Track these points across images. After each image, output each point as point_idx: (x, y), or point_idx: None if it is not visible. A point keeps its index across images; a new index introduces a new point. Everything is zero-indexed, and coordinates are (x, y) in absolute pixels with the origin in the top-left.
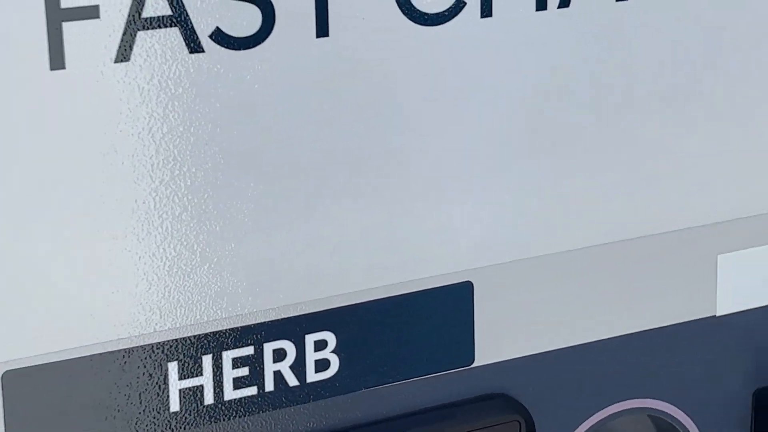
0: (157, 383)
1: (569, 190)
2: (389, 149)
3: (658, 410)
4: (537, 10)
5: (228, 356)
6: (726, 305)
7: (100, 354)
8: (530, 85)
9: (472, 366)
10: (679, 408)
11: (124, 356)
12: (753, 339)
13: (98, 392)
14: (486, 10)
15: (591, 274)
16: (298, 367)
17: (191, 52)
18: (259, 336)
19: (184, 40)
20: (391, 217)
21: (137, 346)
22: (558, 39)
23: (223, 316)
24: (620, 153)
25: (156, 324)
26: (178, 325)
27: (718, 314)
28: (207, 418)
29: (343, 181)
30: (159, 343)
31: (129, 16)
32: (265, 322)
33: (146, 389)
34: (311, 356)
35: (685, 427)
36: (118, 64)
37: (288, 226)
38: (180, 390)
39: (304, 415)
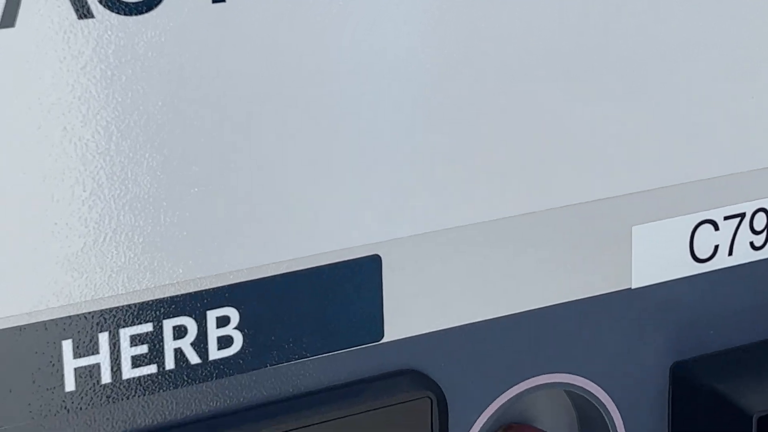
0: (50, 362)
1: (478, 162)
2: (290, 118)
3: (574, 385)
4: None
5: (125, 333)
6: (641, 278)
7: None
8: (434, 53)
9: (381, 342)
10: (595, 383)
11: (15, 334)
12: (669, 312)
13: None
14: None
15: (502, 247)
16: (200, 345)
17: (80, 18)
18: (157, 312)
19: (72, 5)
20: (294, 189)
21: (29, 324)
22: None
23: (120, 291)
24: (531, 123)
25: (48, 300)
26: (72, 302)
27: (633, 287)
28: (104, 397)
29: (243, 151)
30: (52, 320)
31: None
32: (163, 298)
33: (39, 368)
34: (213, 333)
35: (601, 401)
36: (2, 30)
37: (187, 198)
38: (75, 369)
39: (207, 394)
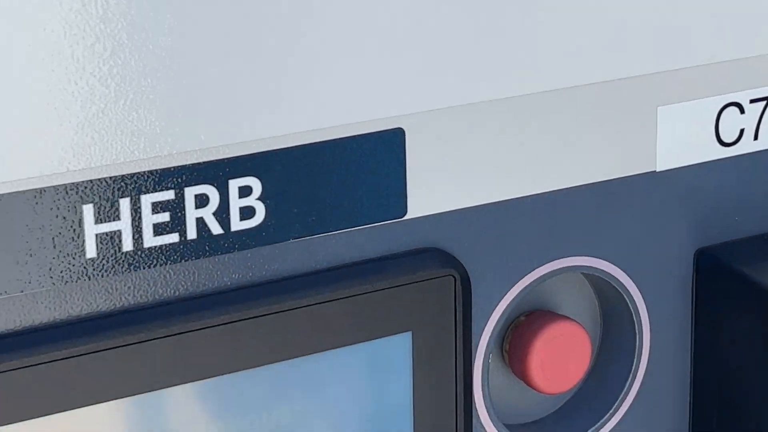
0: (71, 227)
1: (503, 38)
2: None
3: (598, 269)
4: None
5: (147, 200)
6: (666, 161)
7: (9, 194)
8: None
9: (404, 218)
10: (618, 266)
11: (35, 197)
12: (694, 197)
13: (8, 235)
14: None
15: (527, 125)
16: (222, 215)
17: None
18: (179, 180)
19: None
20: (318, 59)
21: (49, 186)
22: None
23: (141, 157)
24: None
25: (69, 163)
26: (92, 165)
27: (658, 170)
28: (126, 265)
29: (268, 18)
30: (72, 183)
31: None
32: (185, 165)
33: (60, 233)
34: (235, 203)
35: (624, 287)
36: None
37: (212, 63)
38: (96, 235)
39: (229, 266)
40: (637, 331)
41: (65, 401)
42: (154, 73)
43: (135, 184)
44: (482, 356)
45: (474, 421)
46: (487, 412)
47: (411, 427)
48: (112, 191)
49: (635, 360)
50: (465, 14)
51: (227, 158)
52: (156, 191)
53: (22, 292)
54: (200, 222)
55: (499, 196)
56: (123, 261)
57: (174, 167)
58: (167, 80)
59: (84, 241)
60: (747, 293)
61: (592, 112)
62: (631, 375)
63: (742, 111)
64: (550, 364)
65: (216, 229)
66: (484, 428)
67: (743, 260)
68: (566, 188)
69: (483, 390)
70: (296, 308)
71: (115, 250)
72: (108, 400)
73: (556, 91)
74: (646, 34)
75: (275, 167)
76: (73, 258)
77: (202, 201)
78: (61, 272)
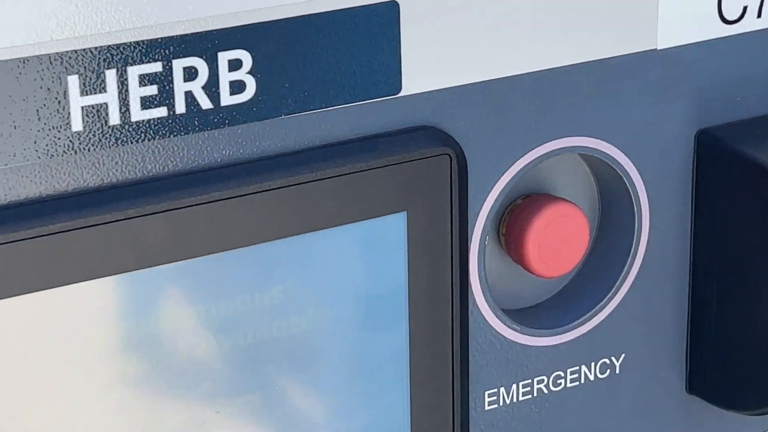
0: (56, 98)
1: None
2: None
3: (596, 149)
4: None
5: (134, 72)
6: (668, 38)
7: None
8: None
9: (398, 95)
10: (617, 147)
11: (18, 66)
12: (696, 76)
13: None
14: None
15: (525, 0)
16: (212, 88)
17: None
18: (167, 51)
19: None
20: None
21: (32, 56)
22: None
23: (128, 27)
24: None
25: (52, 32)
26: (77, 35)
27: (659, 48)
28: (113, 139)
29: None
30: (57, 53)
31: None
32: (173, 37)
33: (45, 105)
34: (225, 76)
35: (623, 167)
36: None
37: None
38: (82, 107)
39: (220, 142)
40: (636, 214)
41: (51, 278)
42: None
43: (121, 55)
44: (478, 239)
45: (471, 306)
46: (484, 295)
47: (406, 309)
48: (97, 62)
49: (634, 243)
50: None
51: (216, 30)
52: (143, 63)
53: (6, 165)
54: (189, 96)
55: (496, 74)
56: (110, 135)
57: (161, 38)
58: None
59: (69, 113)
60: (747, 173)
61: None
62: (629, 258)
63: None
64: (547, 247)
65: (205, 103)
66: (481, 312)
67: (744, 141)
68: (565, 66)
69: (479, 273)
70: (288, 185)
71: (102, 124)
72: (95, 278)
73: None
74: None
75: (266, 40)
76: (59, 131)
77: (190, 74)
78: (47, 146)
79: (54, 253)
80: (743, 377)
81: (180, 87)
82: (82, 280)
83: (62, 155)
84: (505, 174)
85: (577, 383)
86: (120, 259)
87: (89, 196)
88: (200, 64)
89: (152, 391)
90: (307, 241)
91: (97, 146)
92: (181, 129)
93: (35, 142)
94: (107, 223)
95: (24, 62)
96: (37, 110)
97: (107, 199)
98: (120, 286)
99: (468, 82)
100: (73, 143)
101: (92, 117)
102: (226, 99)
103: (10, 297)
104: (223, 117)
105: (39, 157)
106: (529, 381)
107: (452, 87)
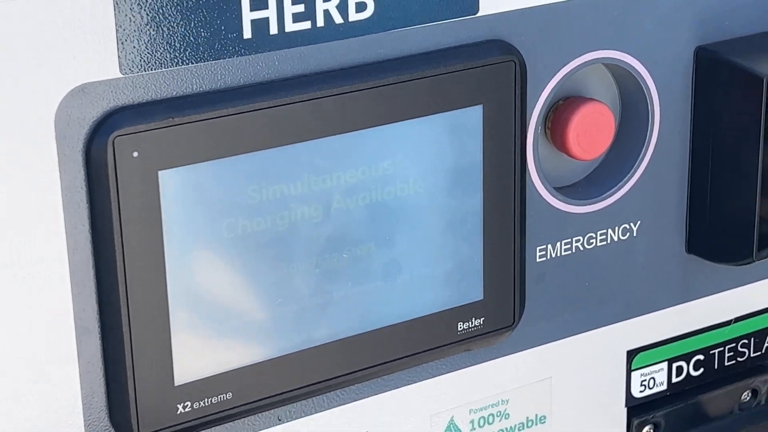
0: (234, 9)
1: None
2: None
3: (620, 60)
4: None
5: None
6: None
7: None
8: None
9: (476, 15)
10: (635, 58)
11: None
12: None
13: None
14: None
15: None
16: (343, 7)
17: None
18: None
19: None
20: None
21: None
22: None
23: None
24: None
25: None
26: None
27: None
28: (272, 44)
29: None
30: None
31: None
32: None
33: (222, 15)
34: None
35: (640, 74)
36: None
37: None
38: (251, 20)
39: (349, 49)
40: (649, 112)
41: (236, 147)
42: None
43: None
44: (533, 130)
45: (527, 180)
46: (537, 174)
47: (481, 180)
48: None
49: (648, 134)
50: None
51: None
52: None
53: (206, 61)
54: (326, 13)
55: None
56: (270, 42)
57: None
58: None
59: (242, 25)
60: (735, 77)
61: None
62: (644, 146)
63: None
64: (584, 136)
65: (338, 18)
66: (534, 186)
67: (739, 54)
68: None
69: (534, 155)
70: (395, 83)
71: (264, 33)
72: (261, 149)
73: None
74: None
75: None
76: (234, 35)
77: None
78: (225, 48)
79: (233, 127)
80: (731, 237)
81: (320, 6)
82: (254, 150)
83: (236, 57)
84: (553, 79)
85: (605, 243)
86: (277, 135)
87: (255, 87)
88: None
89: (285, 245)
90: (409, 126)
91: (260, 50)
92: (320, 38)
93: (219, 46)
94: (269, 107)
95: None
96: (221, 22)
97: (269, 89)
98: (272, 156)
99: (529, 6)
100: (243, 48)
101: (258, 28)
102: (353, 15)
103: (214, 159)
104: (350, 29)
105: (221, 57)
106: (569, 240)
107: (518, 9)
